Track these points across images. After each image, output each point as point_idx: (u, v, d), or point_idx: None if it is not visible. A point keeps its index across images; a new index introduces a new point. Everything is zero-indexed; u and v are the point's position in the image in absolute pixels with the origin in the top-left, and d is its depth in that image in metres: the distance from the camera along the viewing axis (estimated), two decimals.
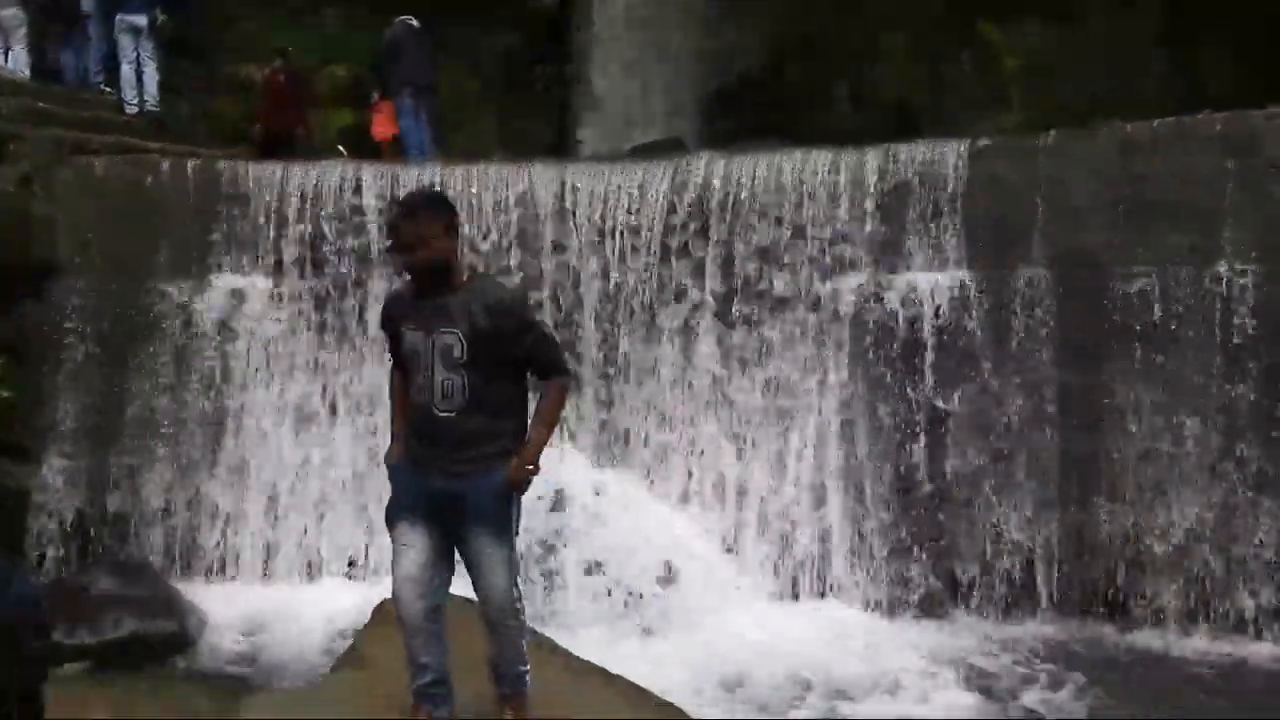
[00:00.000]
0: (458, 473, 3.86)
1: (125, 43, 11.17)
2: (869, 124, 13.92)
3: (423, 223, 3.83)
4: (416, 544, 3.92)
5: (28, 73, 11.13)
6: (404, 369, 4.02)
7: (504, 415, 3.90)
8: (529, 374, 4.00)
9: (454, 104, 15.10)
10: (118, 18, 11.14)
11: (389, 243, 4.20)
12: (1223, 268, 7.51)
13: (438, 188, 8.52)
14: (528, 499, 4.00)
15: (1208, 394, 7.44)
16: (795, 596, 7.68)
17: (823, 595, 7.65)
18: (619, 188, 8.41)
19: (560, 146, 15.47)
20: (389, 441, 4.20)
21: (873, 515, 7.73)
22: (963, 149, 8.02)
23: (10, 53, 11.23)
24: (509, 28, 15.77)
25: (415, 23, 11.58)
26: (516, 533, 3.99)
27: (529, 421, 3.99)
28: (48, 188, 9.03)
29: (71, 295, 8.74)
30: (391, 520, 4.01)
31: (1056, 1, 12.90)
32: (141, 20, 11.11)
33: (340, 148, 11.99)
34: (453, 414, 3.83)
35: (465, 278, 3.93)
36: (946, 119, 13.36)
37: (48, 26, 11.73)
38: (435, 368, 3.82)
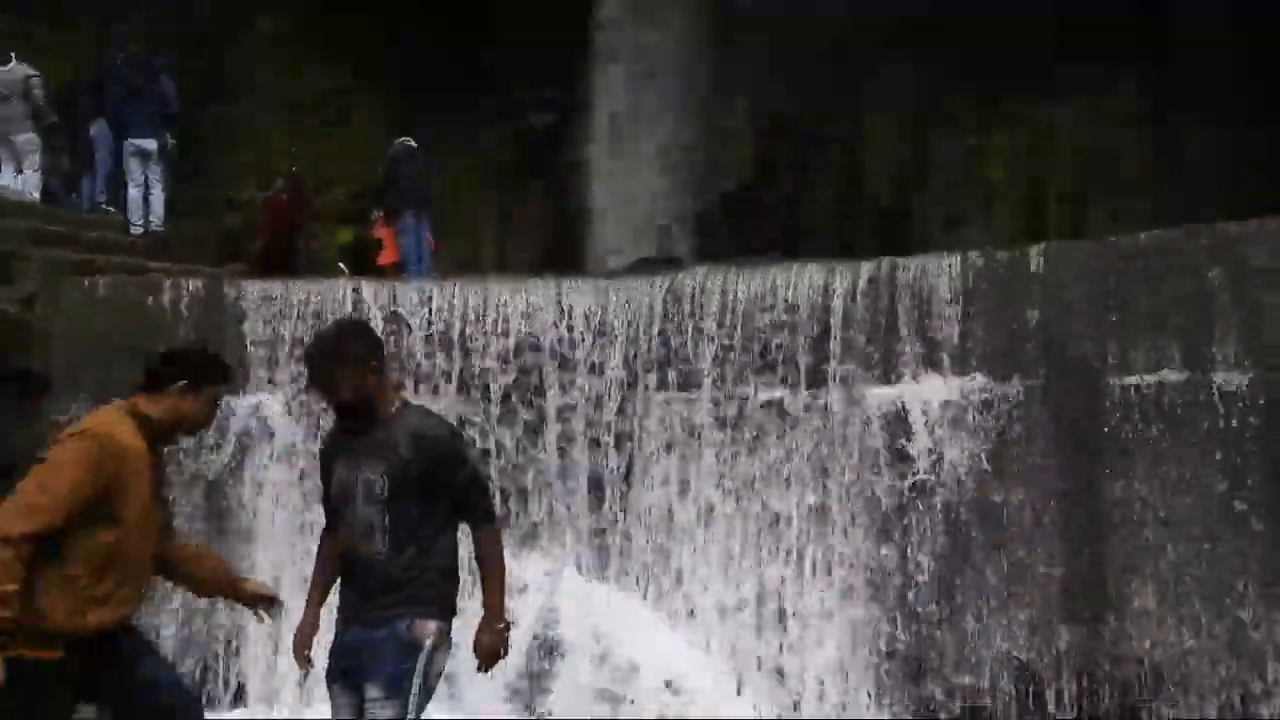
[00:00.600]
0: (372, 620, 3.57)
1: (134, 166, 11.36)
2: (860, 225, 14.17)
3: (340, 359, 3.66)
4: (345, 708, 3.63)
5: (37, 195, 11.29)
6: (335, 515, 3.77)
7: (428, 558, 3.61)
8: (458, 518, 3.71)
9: (454, 212, 15.38)
10: (126, 142, 11.34)
11: (307, 381, 3.96)
12: (1219, 375, 7.49)
13: (428, 302, 8.62)
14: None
15: (1210, 502, 7.36)
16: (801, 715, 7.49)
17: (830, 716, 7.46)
18: (617, 303, 8.44)
19: (557, 255, 15.68)
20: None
21: (879, 634, 7.60)
22: (956, 261, 8.08)
23: (21, 175, 11.41)
24: (508, 140, 16.12)
25: (414, 144, 11.88)
26: (417, 706, 3.51)
27: (457, 568, 3.71)
28: (50, 307, 9.09)
29: (64, 413, 8.72)
30: (328, 680, 3.73)
31: (1039, 94, 13.11)
32: (151, 145, 11.31)
33: (341, 265, 12.13)
34: (374, 556, 3.58)
35: (394, 409, 3.72)
36: (933, 225, 13.61)
37: (57, 149, 11.96)
38: (359, 506, 3.61)
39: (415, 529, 3.58)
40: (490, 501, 3.83)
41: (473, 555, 3.76)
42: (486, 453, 8.28)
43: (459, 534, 3.77)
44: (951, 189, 13.50)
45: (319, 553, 3.97)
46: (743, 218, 15.16)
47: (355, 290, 9.00)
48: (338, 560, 3.79)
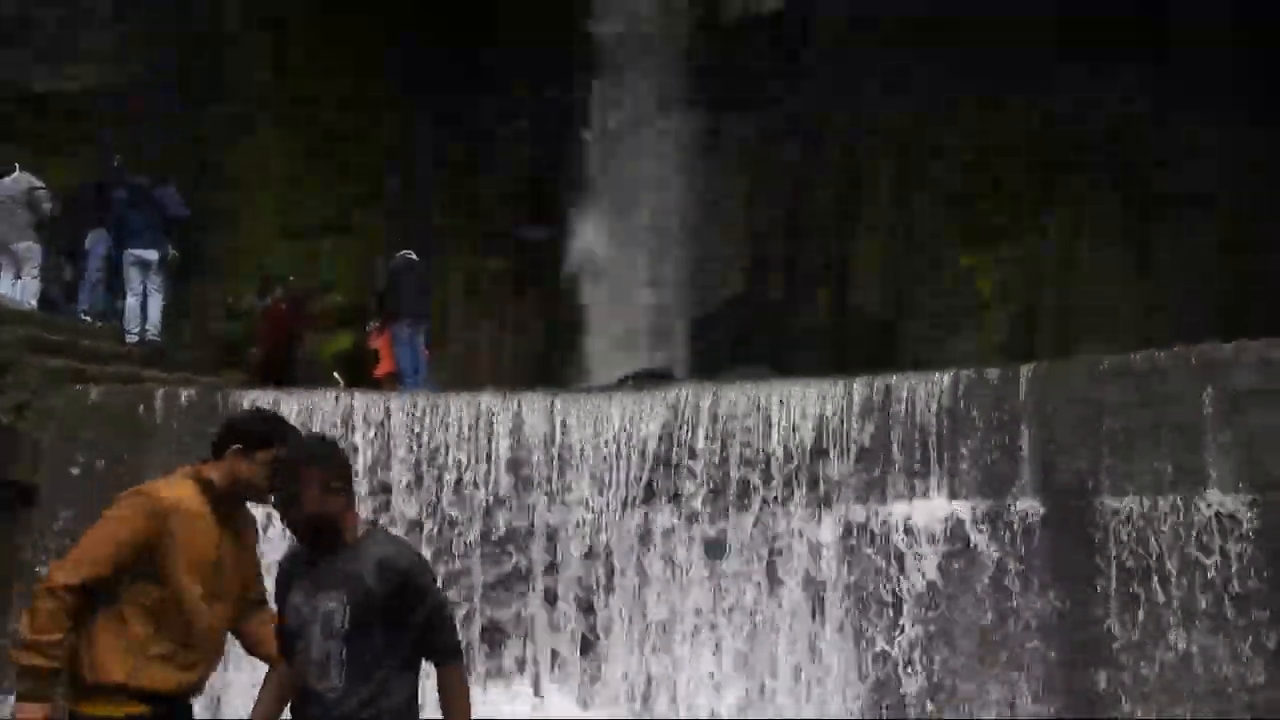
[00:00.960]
0: None
1: (133, 276, 11.42)
2: (850, 339, 14.28)
3: (301, 479, 3.48)
4: None
5: (35, 302, 11.34)
6: (289, 645, 3.56)
7: (387, 696, 3.39)
8: (421, 653, 3.51)
9: (450, 321, 15.49)
10: (127, 251, 11.43)
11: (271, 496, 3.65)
12: (1212, 495, 7.47)
13: (417, 415, 8.60)
14: None
15: (1206, 625, 7.27)
16: None
17: None
18: (608, 419, 8.44)
19: (549, 364, 15.76)
20: None
21: None
22: (946, 379, 8.11)
23: (20, 282, 11.48)
24: (500, 252, 16.34)
25: (414, 257, 12.02)
26: None
27: (417, 707, 3.49)
28: (41, 415, 9.05)
29: (51, 522, 8.63)
30: None
31: (1027, 228, 13.43)
32: (152, 255, 11.40)
33: (336, 374, 12.15)
34: (328, 692, 3.36)
35: (359, 535, 3.54)
36: (926, 333, 13.73)
37: (58, 257, 12.06)
38: (315, 638, 3.40)
39: (374, 664, 3.38)
40: (455, 637, 3.59)
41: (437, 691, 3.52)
42: (468, 573, 8.20)
43: (421, 669, 3.55)
44: (943, 323, 13.61)
45: (265, 682, 3.76)
46: (733, 328, 15.29)
47: (348, 402, 8.99)
48: (287, 692, 3.60)
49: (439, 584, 3.75)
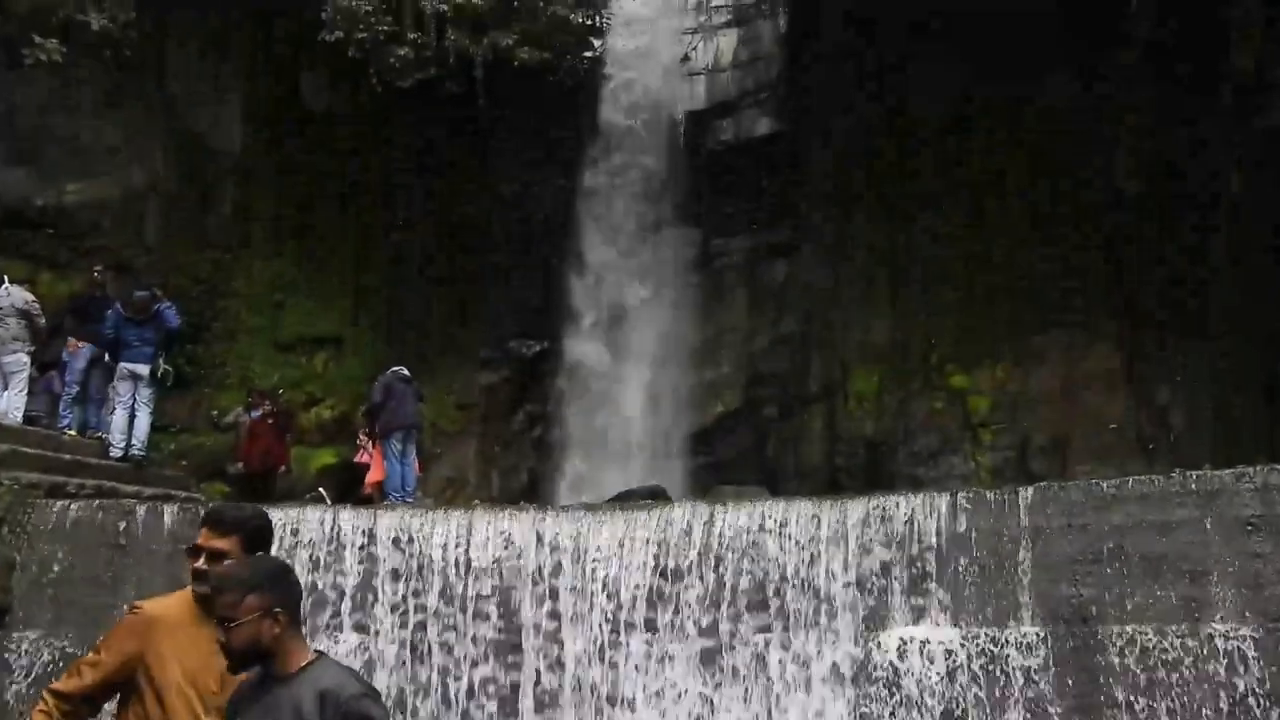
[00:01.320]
0: None
1: (123, 390, 11.29)
2: (843, 463, 14.16)
3: (240, 600, 3.31)
4: None
5: (19, 416, 11.19)
6: None
7: None
8: None
9: (439, 436, 15.36)
10: (120, 364, 11.34)
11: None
12: (1218, 624, 7.30)
13: (405, 531, 8.43)
14: None
15: None
16: None
17: None
18: (598, 538, 8.27)
19: (539, 480, 15.57)
20: None
21: None
22: (944, 502, 8.00)
23: (5, 393, 11.35)
24: (493, 367, 16.32)
25: (406, 372, 11.97)
26: None
27: None
28: (16, 533, 8.82)
29: (22, 644, 8.34)
30: None
31: (1019, 349, 13.46)
32: (143, 368, 11.32)
33: (321, 490, 11.97)
34: None
35: (304, 663, 3.37)
36: (918, 455, 13.62)
37: (45, 371, 11.96)
38: None
39: None
40: None
41: None
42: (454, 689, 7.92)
43: None
44: (937, 445, 13.53)
45: None
46: (728, 447, 15.21)
47: (334, 519, 8.81)
48: None
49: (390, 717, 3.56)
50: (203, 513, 4.17)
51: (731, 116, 17.41)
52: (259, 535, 3.87)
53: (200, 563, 3.79)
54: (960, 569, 7.80)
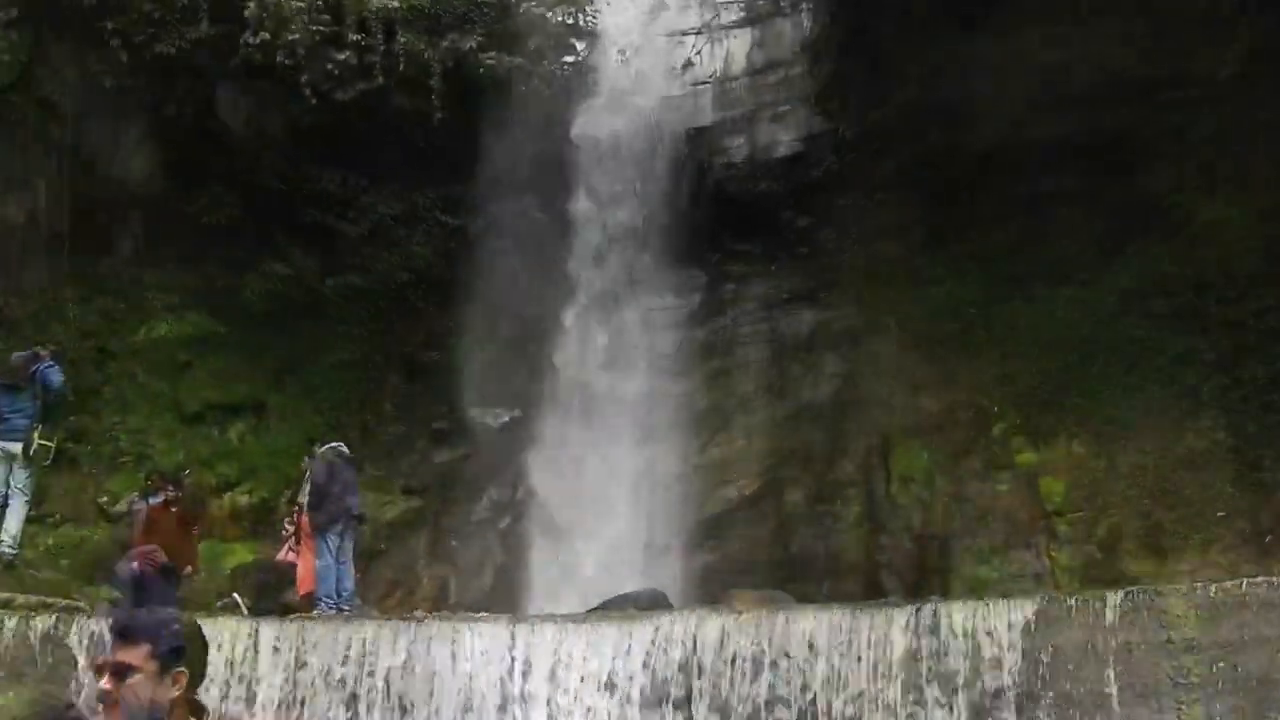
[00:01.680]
0: None
1: None
2: (886, 559, 14.10)
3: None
4: None
5: None
6: None
7: None
8: None
9: (382, 528, 15.29)
10: None
11: None
12: None
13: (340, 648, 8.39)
14: None
15: None
16: None
17: None
18: (578, 656, 8.24)
19: (508, 583, 15.47)
20: None
21: None
22: (1013, 613, 7.98)
23: None
24: (450, 441, 16.31)
25: (346, 450, 11.86)
26: None
27: None
28: None
29: None
30: None
31: (1100, 418, 13.48)
32: (16, 446, 11.29)
33: (236, 596, 11.88)
34: None
35: None
36: (979, 550, 13.57)
37: None
38: None
39: None
40: None
41: None
42: None
43: None
44: (1002, 539, 13.51)
45: None
46: (743, 540, 15.15)
47: (251, 632, 8.76)
48: None
49: None
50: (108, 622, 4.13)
51: (745, 134, 17.59)
52: (176, 646, 3.86)
53: (106, 682, 3.77)
54: (1032, 695, 7.75)
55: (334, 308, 16.23)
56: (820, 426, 15.05)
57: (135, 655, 3.78)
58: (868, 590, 13.24)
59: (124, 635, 3.86)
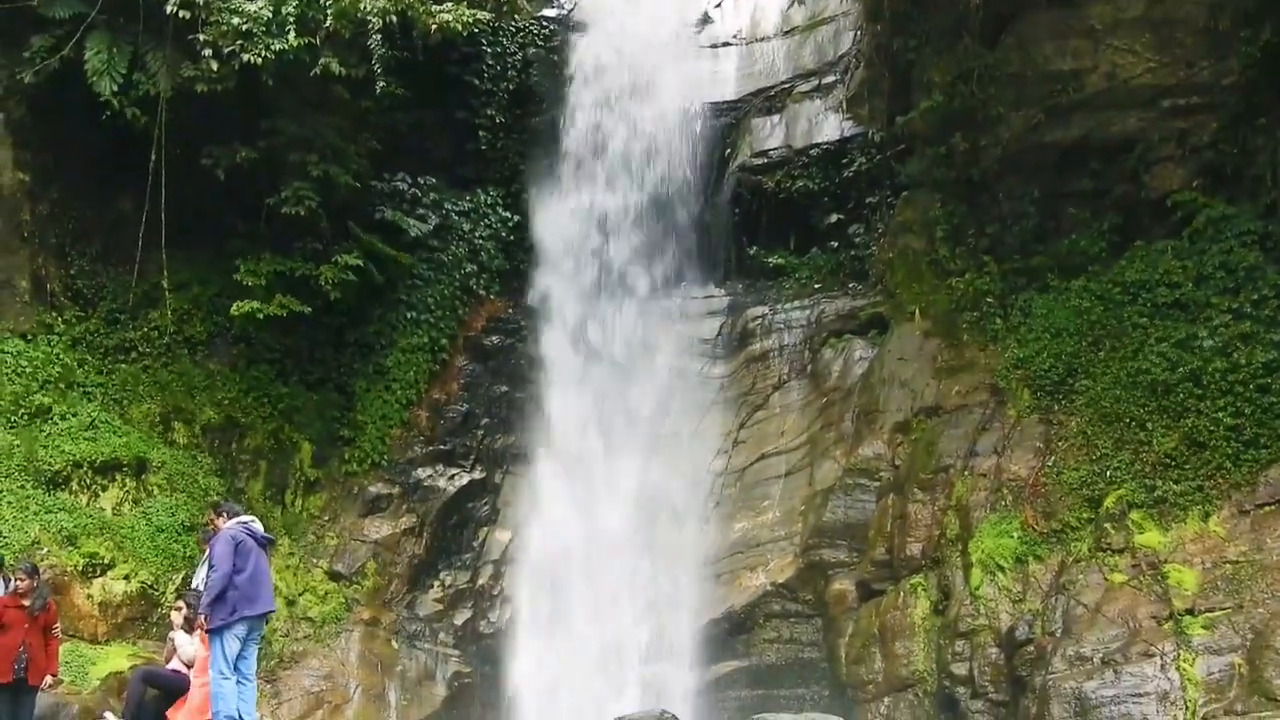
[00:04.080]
0: None
1: None
2: (964, 668, 13.95)
3: None
4: None
5: None
6: None
7: None
8: None
9: (299, 624, 15.14)
10: None
11: None
12: None
13: None
14: None
15: None
16: None
17: None
18: None
19: (469, 699, 15.33)
20: None
21: None
22: None
23: None
24: (389, 509, 16.21)
25: (260, 529, 11.65)
26: None
27: None
28: None
29: None
30: None
31: (1247, 489, 13.47)
32: None
33: (109, 716, 11.71)
34: None
35: None
36: (1086, 660, 13.41)
37: None
38: None
39: None
40: None
41: None
42: None
43: None
44: (1112, 602, 13.50)
45: None
46: (770, 645, 15.19)
47: None
48: None
49: None
50: None
51: (779, 112, 17.57)
52: None
53: None
54: None
55: (241, 335, 16.42)
56: (877, 496, 15.60)
57: None
58: (941, 713, 13.15)
59: None
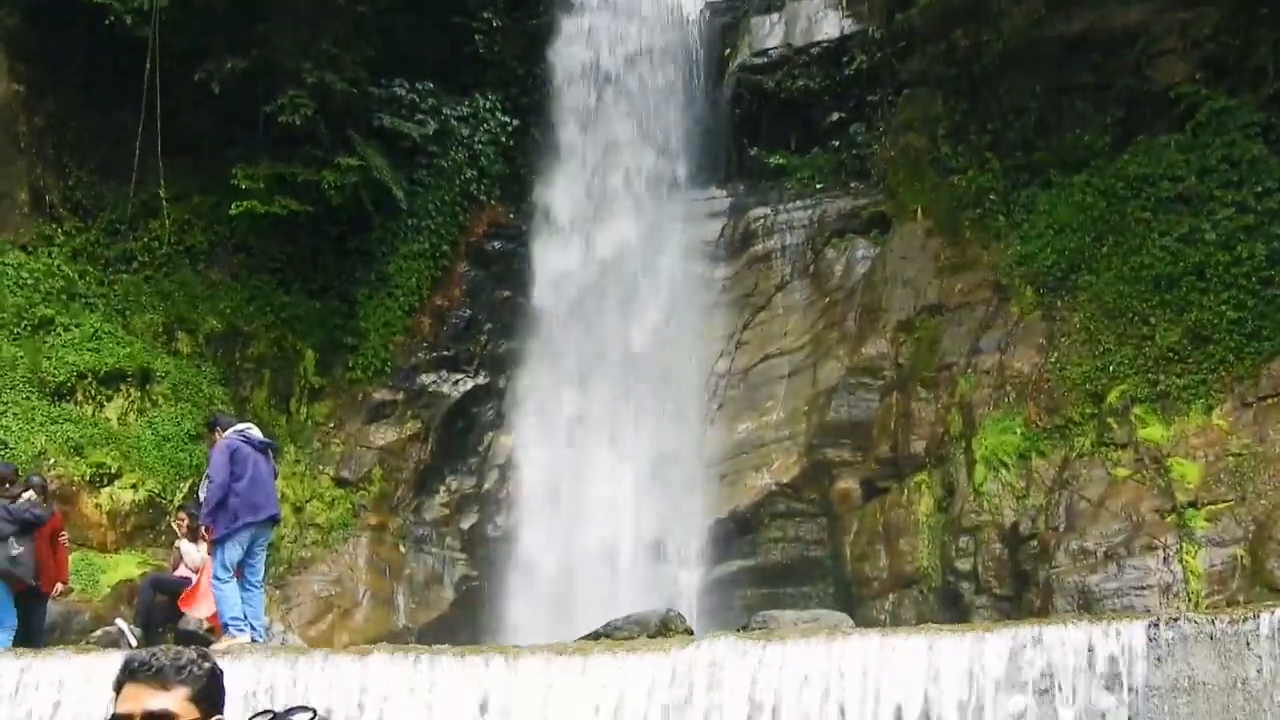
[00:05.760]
0: None
1: None
2: (968, 564, 14.20)
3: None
4: None
5: None
6: None
7: None
8: None
9: (307, 531, 15.36)
10: None
11: None
12: None
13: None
14: None
15: None
16: None
17: None
18: (577, 703, 8.32)
19: (475, 601, 15.57)
20: None
21: None
22: (1137, 631, 8.04)
23: None
24: (394, 416, 16.38)
25: (259, 435, 11.70)
26: None
27: None
28: None
29: None
30: None
31: (1250, 382, 13.59)
32: None
33: (120, 623, 11.91)
34: None
35: None
36: (1090, 554, 13.66)
37: None
38: None
39: None
40: None
41: None
42: None
43: None
44: (1115, 496, 13.69)
45: None
46: (774, 543, 15.32)
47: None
48: None
49: None
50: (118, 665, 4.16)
51: (779, 10, 17.56)
52: (214, 688, 3.95)
53: None
54: None
55: (243, 244, 16.68)
56: (880, 394, 15.80)
57: (171, 700, 3.86)
58: (946, 609, 13.42)
59: (157, 675, 3.95)
